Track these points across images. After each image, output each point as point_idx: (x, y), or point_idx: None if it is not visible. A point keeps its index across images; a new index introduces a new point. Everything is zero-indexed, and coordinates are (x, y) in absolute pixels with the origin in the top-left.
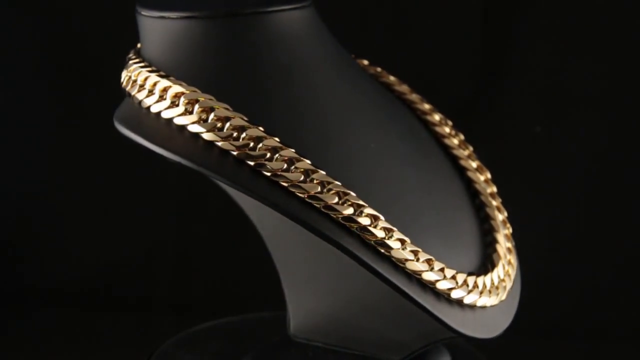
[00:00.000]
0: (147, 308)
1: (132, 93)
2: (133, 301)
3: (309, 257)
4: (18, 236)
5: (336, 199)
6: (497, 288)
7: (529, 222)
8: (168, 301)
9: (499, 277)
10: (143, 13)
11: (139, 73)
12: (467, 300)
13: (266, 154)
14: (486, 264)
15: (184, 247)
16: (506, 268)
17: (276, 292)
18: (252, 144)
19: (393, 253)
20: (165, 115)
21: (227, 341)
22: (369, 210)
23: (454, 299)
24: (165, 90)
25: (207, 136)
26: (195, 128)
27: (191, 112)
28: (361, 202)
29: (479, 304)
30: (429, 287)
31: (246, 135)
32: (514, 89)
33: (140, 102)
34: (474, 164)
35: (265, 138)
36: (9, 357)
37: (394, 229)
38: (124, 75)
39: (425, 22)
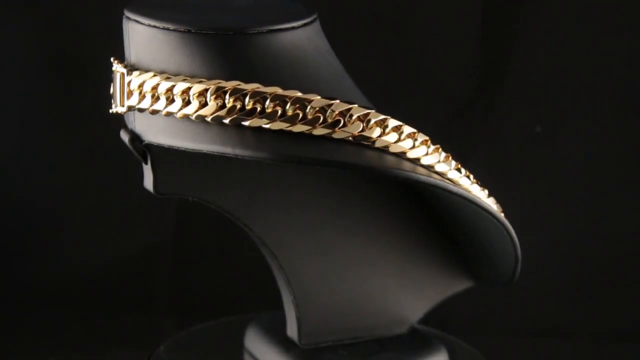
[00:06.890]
0: (146, 308)
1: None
2: (133, 301)
3: (316, 258)
4: (17, 236)
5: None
6: None
7: (528, 221)
8: (168, 301)
9: None
10: (149, 24)
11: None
12: None
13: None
14: None
15: (184, 247)
16: None
17: (275, 292)
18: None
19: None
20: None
21: (227, 341)
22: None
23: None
24: (199, 94)
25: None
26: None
27: (245, 107)
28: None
29: None
30: None
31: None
32: (514, 89)
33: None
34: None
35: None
36: (9, 357)
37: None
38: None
39: (425, 22)
